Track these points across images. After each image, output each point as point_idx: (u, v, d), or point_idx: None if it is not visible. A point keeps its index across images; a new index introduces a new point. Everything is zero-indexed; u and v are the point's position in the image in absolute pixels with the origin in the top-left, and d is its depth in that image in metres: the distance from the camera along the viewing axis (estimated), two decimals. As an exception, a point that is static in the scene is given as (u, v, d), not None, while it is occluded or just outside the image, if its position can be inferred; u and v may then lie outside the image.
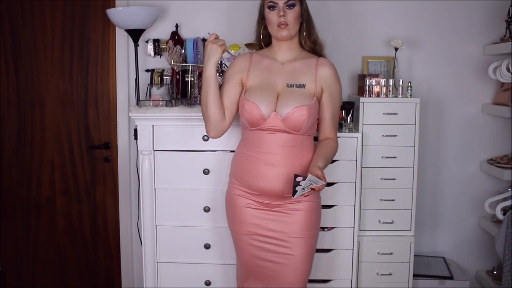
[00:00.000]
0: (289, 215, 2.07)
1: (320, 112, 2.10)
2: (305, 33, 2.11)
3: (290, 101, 2.01)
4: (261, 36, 2.18)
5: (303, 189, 1.87)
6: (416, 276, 2.78)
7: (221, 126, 2.11)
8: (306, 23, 2.11)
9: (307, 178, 1.85)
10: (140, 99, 2.75)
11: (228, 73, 2.17)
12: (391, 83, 2.65)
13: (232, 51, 2.77)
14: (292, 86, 2.06)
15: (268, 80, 2.09)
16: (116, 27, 2.97)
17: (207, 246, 2.55)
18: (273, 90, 2.06)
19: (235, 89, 2.12)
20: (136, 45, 2.79)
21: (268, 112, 2.01)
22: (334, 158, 2.52)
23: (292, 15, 2.03)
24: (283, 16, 2.01)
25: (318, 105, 2.08)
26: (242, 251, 2.16)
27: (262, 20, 2.14)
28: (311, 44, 2.15)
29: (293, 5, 2.03)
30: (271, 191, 2.05)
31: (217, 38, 2.02)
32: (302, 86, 2.06)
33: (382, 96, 2.66)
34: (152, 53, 2.93)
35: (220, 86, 2.16)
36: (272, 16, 2.04)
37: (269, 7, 2.04)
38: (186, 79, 2.72)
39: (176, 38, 2.88)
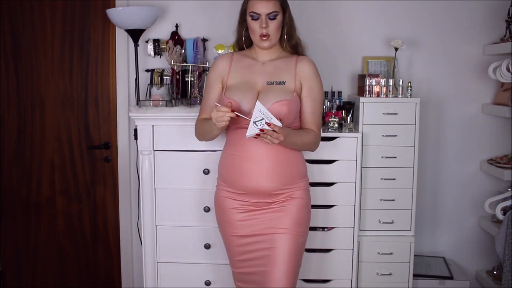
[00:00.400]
0: (278, 212, 2.07)
1: (300, 108, 2.11)
2: (286, 38, 2.13)
3: (270, 96, 2.03)
4: (243, 38, 2.18)
5: (254, 123, 1.84)
6: (416, 276, 2.78)
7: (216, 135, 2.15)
8: (287, 29, 2.12)
9: (255, 108, 1.84)
10: (140, 99, 2.75)
11: (210, 77, 2.18)
12: (391, 83, 2.65)
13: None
14: (272, 83, 2.08)
15: (249, 79, 2.11)
16: (116, 27, 2.97)
17: (207, 246, 2.55)
18: (253, 88, 2.08)
19: (218, 94, 2.15)
20: (136, 45, 2.79)
21: (248, 109, 2.01)
22: (334, 158, 2.53)
23: (274, 26, 2.05)
24: (266, 27, 2.04)
25: (299, 102, 2.09)
26: (232, 253, 2.17)
27: (243, 22, 2.14)
28: (291, 48, 2.17)
29: (275, 16, 2.05)
30: (257, 189, 2.05)
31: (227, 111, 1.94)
32: (282, 83, 2.08)
33: (382, 96, 2.66)
34: (152, 53, 2.93)
35: (204, 89, 2.20)
36: (254, 26, 2.06)
37: (252, 17, 2.05)
38: (186, 79, 2.72)
39: (176, 38, 2.88)
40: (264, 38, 2.05)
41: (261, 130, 1.86)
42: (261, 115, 1.84)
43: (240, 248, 2.13)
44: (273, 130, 1.86)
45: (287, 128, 1.96)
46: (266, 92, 2.05)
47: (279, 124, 1.87)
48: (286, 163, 2.07)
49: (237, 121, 2.02)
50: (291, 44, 2.16)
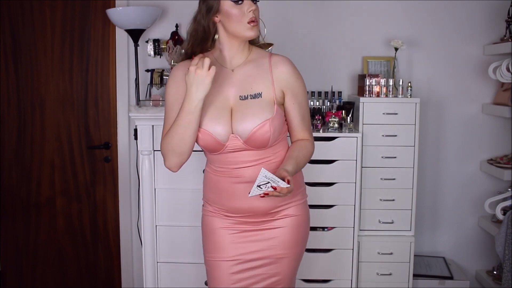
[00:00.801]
0: (273, 233, 1.81)
1: (287, 117, 1.80)
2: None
3: (248, 117, 1.68)
4: (198, 35, 1.75)
5: (259, 186, 1.59)
6: (416, 276, 2.78)
7: (185, 160, 1.77)
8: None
9: (259, 174, 1.57)
10: (140, 99, 2.75)
11: (169, 96, 1.77)
12: (391, 83, 2.66)
13: None
14: (246, 98, 1.71)
15: (217, 95, 1.71)
16: (116, 27, 2.97)
17: (207, 246, 2.55)
18: (224, 107, 1.71)
19: None
20: (136, 45, 2.79)
21: (225, 135, 1.69)
22: (334, 158, 2.53)
23: (258, 10, 1.71)
24: (256, 10, 1.69)
25: (282, 111, 1.77)
26: (220, 282, 1.82)
27: (207, 14, 1.72)
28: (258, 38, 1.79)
29: None
30: (251, 209, 1.77)
31: (202, 60, 1.59)
32: (258, 95, 1.72)
33: (382, 96, 2.66)
34: (152, 53, 2.92)
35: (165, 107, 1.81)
36: (239, 11, 1.66)
37: (235, 1, 1.67)
38: (186, 79, 2.72)
39: (176, 38, 2.88)
40: (253, 24, 1.68)
41: (265, 194, 1.60)
42: (266, 179, 1.59)
43: (232, 275, 1.81)
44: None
45: (290, 169, 1.67)
46: (241, 111, 1.70)
47: (286, 185, 1.59)
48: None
49: (216, 150, 1.73)
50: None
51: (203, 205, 1.91)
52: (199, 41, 1.76)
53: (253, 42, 1.81)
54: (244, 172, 1.73)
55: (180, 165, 1.78)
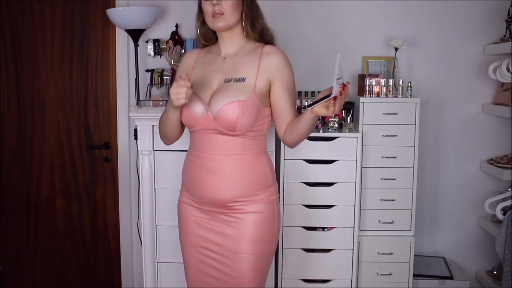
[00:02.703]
0: (234, 227, 1.87)
1: (278, 105, 1.87)
2: (244, 23, 1.89)
3: (222, 97, 1.81)
4: (205, 32, 1.97)
5: (337, 79, 1.60)
6: (416, 276, 2.78)
7: (178, 135, 2.02)
8: (247, 11, 1.87)
9: (336, 61, 1.59)
10: (140, 99, 2.75)
11: (177, 74, 2.06)
12: (391, 83, 2.66)
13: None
14: (230, 80, 1.85)
15: (206, 78, 1.90)
16: (116, 27, 2.97)
17: (207, 246, 2.55)
18: (208, 88, 1.87)
19: None
20: (136, 45, 2.79)
21: (200, 112, 1.83)
22: (334, 158, 2.53)
23: (229, 3, 1.82)
24: (217, 4, 1.82)
25: (260, 102, 1.84)
26: (188, 266, 1.99)
27: (200, 13, 1.95)
28: (256, 35, 1.92)
29: None
30: (211, 199, 1.88)
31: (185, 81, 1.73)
32: (241, 80, 1.84)
33: (382, 96, 2.66)
34: (152, 53, 2.92)
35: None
36: (207, 7, 1.84)
37: None
38: (186, 79, 2.72)
39: (176, 38, 2.88)
40: (217, 16, 1.82)
41: (343, 88, 1.61)
42: (339, 71, 1.60)
43: (196, 260, 1.95)
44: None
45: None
46: (220, 92, 1.83)
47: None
48: (244, 173, 1.86)
49: (191, 125, 1.88)
50: (255, 31, 1.91)
51: (180, 189, 2.05)
52: (201, 35, 1.99)
53: (264, 40, 1.94)
54: (212, 163, 1.85)
55: (170, 143, 2.06)
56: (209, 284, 1.94)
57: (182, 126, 1.98)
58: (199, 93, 1.86)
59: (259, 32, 1.93)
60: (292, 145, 1.96)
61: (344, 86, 1.61)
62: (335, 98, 1.62)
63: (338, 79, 1.61)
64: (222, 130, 1.82)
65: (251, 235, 1.86)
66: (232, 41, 1.92)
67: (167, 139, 2.03)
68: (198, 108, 1.84)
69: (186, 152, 2.53)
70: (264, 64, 1.85)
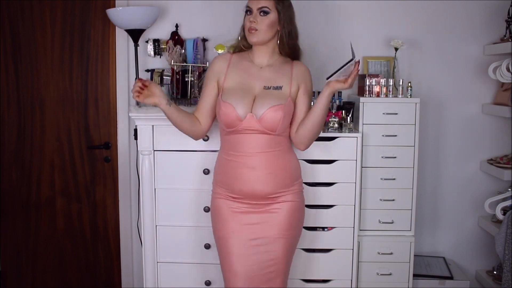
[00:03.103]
0: (271, 215, 2.11)
1: (297, 107, 2.13)
2: (279, 42, 2.13)
3: (265, 101, 2.05)
4: (239, 38, 2.21)
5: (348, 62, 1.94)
6: (416, 276, 2.78)
7: (199, 131, 2.21)
8: (283, 32, 2.11)
9: (351, 46, 1.97)
10: (140, 99, 2.74)
11: (207, 75, 2.21)
12: (391, 83, 2.65)
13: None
14: (269, 88, 2.10)
15: (246, 83, 2.12)
16: (116, 27, 2.97)
17: (207, 246, 2.55)
18: (250, 92, 2.09)
19: (214, 92, 2.17)
20: (136, 45, 2.79)
21: (244, 113, 2.04)
22: (334, 158, 2.53)
23: (265, 22, 2.06)
24: (254, 22, 2.06)
25: (293, 106, 2.11)
26: (230, 254, 2.13)
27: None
28: (288, 53, 2.17)
29: (266, 13, 2.06)
30: (253, 193, 2.09)
31: (141, 83, 2.02)
32: (279, 88, 2.10)
33: (382, 96, 2.66)
34: (152, 53, 2.92)
35: (201, 87, 2.29)
36: (246, 21, 2.10)
37: (246, 12, 2.11)
38: (186, 79, 2.72)
39: (176, 38, 2.89)
40: (251, 32, 2.07)
41: (356, 65, 1.96)
42: (354, 55, 1.93)
43: (238, 249, 2.12)
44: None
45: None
46: (263, 97, 2.07)
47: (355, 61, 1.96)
48: (280, 168, 2.10)
49: (233, 125, 2.06)
50: (289, 50, 2.16)
51: (212, 189, 2.23)
52: (236, 41, 2.22)
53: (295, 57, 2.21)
54: (253, 160, 2.06)
55: (196, 138, 2.27)
56: (251, 266, 2.11)
57: (189, 121, 2.16)
58: (241, 96, 2.07)
59: (291, 51, 2.17)
60: (302, 143, 2.15)
61: (357, 63, 1.94)
62: (356, 64, 1.94)
63: (351, 60, 1.91)
64: (264, 130, 2.04)
65: (286, 222, 2.12)
66: (266, 55, 2.16)
67: (190, 136, 2.23)
68: (241, 110, 2.04)
69: (186, 152, 2.53)
70: (295, 73, 2.14)
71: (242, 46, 2.20)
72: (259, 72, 2.14)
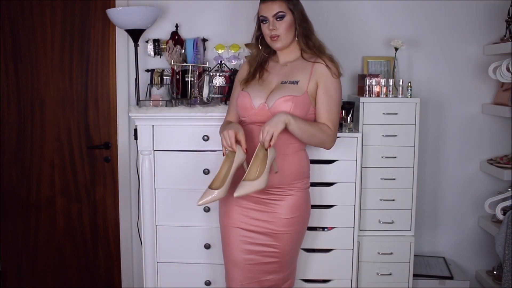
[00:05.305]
0: (274, 208, 2.13)
1: (316, 105, 2.12)
2: (297, 39, 2.16)
3: (278, 93, 2.09)
4: (259, 39, 2.23)
5: None
6: (416, 276, 2.78)
7: None
8: (300, 30, 2.14)
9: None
10: (140, 99, 2.75)
11: (236, 79, 2.31)
12: (391, 83, 2.65)
13: None
14: (285, 82, 2.13)
15: (265, 78, 2.20)
16: (116, 27, 2.97)
17: (207, 246, 2.55)
18: (267, 87, 2.16)
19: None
20: (136, 45, 2.79)
21: (258, 103, 2.11)
22: (334, 158, 2.53)
23: (283, 26, 2.10)
24: (274, 29, 2.10)
25: (310, 103, 2.10)
26: (229, 244, 2.19)
27: (259, 29, 2.20)
28: (310, 49, 2.18)
29: (282, 17, 2.09)
30: None
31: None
32: (295, 82, 2.11)
33: (382, 96, 2.66)
34: (152, 53, 2.93)
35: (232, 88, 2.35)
36: (265, 29, 2.14)
37: (262, 21, 2.14)
38: (186, 79, 2.72)
39: (176, 38, 2.88)
40: (274, 39, 2.12)
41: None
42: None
43: (239, 241, 2.16)
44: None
45: (292, 119, 1.98)
46: (277, 89, 2.12)
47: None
48: (286, 164, 2.11)
49: (246, 113, 2.13)
50: (308, 46, 2.17)
51: None
52: (255, 47, 2.26)
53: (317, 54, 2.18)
54: (252, 152, 2.04)
55: None
56: (252, 257, 2.15)
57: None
58: (258, 89, 2.15)
59: (312, 46, 2.17)
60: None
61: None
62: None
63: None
64: None
65: (288, 216, 2.13)
66: (290, 54, 2.20)
67: None
68: (256, 100, 2.11)
69: (186, 152, 2.53)
70: (315, 70, 2.12)
71: (266, 54, 2.23)
72: (280, 69, 2.19)
